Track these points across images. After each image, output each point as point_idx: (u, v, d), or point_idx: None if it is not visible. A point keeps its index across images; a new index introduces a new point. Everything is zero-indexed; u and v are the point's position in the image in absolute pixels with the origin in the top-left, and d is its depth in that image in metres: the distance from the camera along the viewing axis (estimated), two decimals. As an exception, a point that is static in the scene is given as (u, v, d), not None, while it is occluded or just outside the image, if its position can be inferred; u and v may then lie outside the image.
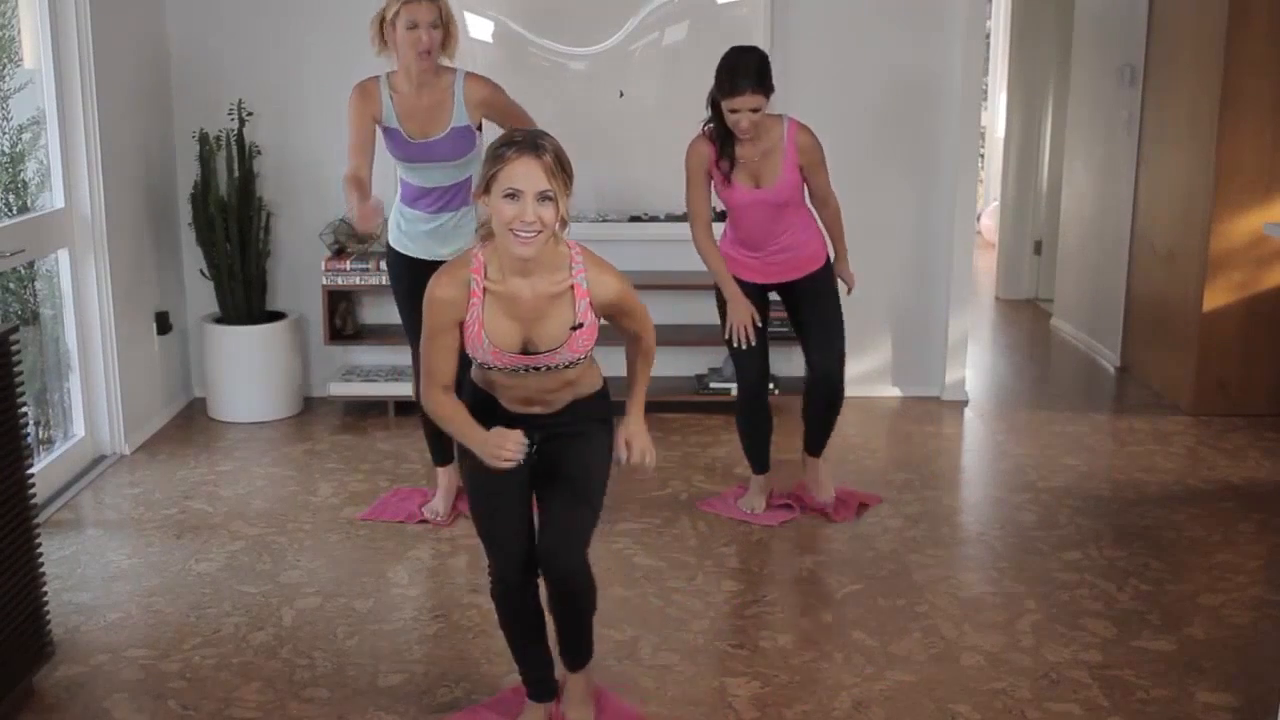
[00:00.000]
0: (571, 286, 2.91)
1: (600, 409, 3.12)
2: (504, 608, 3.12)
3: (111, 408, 5.28)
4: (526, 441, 2.89)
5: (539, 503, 3.10)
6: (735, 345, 4.45)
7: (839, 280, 4.60)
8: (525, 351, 2.92)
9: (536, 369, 2.94)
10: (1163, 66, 6.31)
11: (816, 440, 4.72)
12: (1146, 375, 6.50)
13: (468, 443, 2.94)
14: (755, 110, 4.16)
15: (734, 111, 4.17)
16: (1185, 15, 6.07)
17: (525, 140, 2.80)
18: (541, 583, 3.11)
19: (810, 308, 4.55)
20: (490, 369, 2.96)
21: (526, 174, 2.76)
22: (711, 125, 4.32)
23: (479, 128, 4.31)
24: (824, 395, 4.60)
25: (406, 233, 4.41)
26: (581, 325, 2.92)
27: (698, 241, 4.44)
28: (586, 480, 3.07)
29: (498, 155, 2.80)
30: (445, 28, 4.17)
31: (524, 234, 2.77)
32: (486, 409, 3.04)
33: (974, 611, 3.92)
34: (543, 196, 2.77)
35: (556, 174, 2.78)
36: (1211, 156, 5.73)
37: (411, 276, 4.34)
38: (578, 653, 3.22)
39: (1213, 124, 5.71)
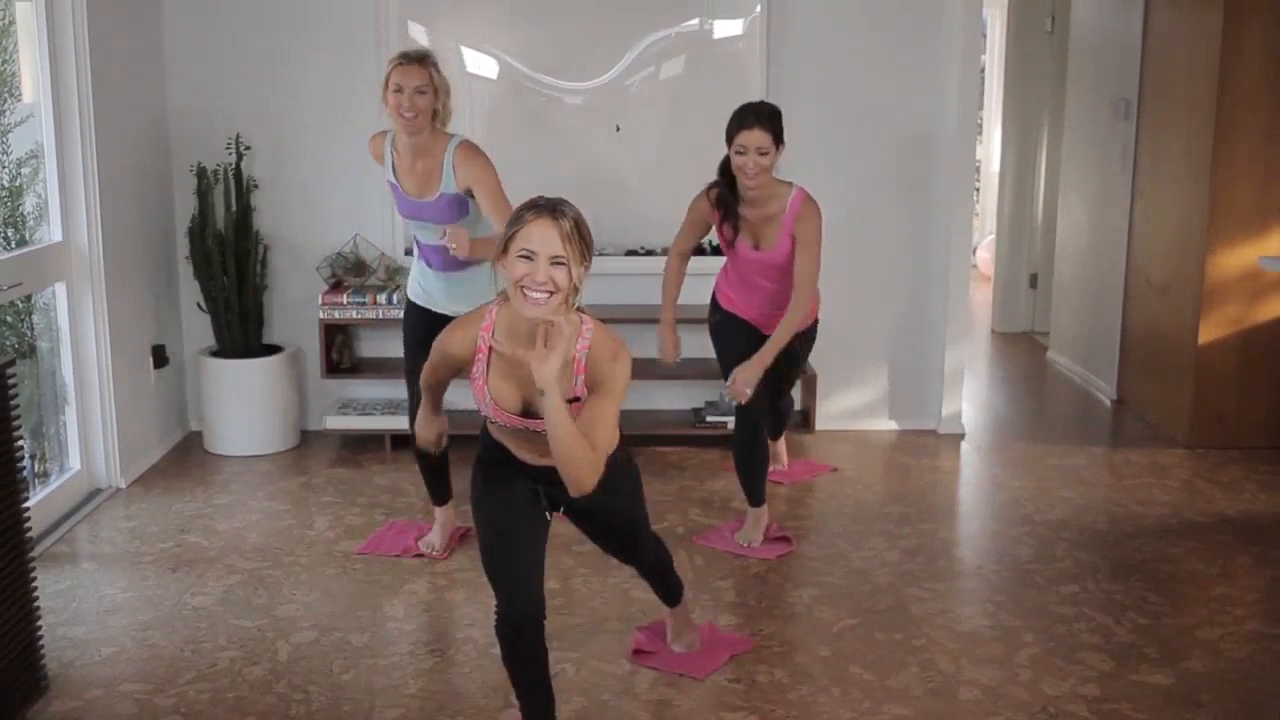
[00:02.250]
0: (574, 359, 2.92)
1: (615, 464, 3.09)
2: (508, 648, 3.10)
3: (107, 441, 5.28)
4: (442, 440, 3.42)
5: (605, 548, 3.58)
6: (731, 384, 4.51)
7: (726, 383, 4.51)
8: (526, 414, 2.93)
9: (538, 432, 2.94)
10: (1157, 100, 6.35)
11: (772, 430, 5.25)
12: (1142, 408, 6.51)
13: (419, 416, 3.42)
14: (762, 153, 4.18)
15: (740, 153, 4.20)
16: (1179, 49, 6.11)
17: (546, 205, 2.83)
18: (551, 611, 3.15)
19: (782, 361, 4.59)
20: (494, 424, 2.98)
21: (543, 236, 2.78)
22: (716, 188, 4.36)
23: (470, 195, 4.31)
24: (767, 429, 4.94)
25: (422, 285, 4.47)
26: (578, 399, 2.93)
27: (667, 262, 4.65)
28: (630, 524, 3.45)
29: (518, 217, 2.84)
30: (436, 94, 4.19)
31: (534, 294, 2.78)
32: (501, 459, 3.06)
33: (971, 645, 3.91)
34: (555, 260, 2.78)
35: (573, 240, 2.80)
36: (1206, 189, 5.76)
37: (424, 327, 4.35)
38: (670, 595, 3.72)
39: (1207, 157, 5.74)
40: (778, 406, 5.14)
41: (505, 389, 2.92)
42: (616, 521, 3.39)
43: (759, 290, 4.49)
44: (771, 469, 5.13)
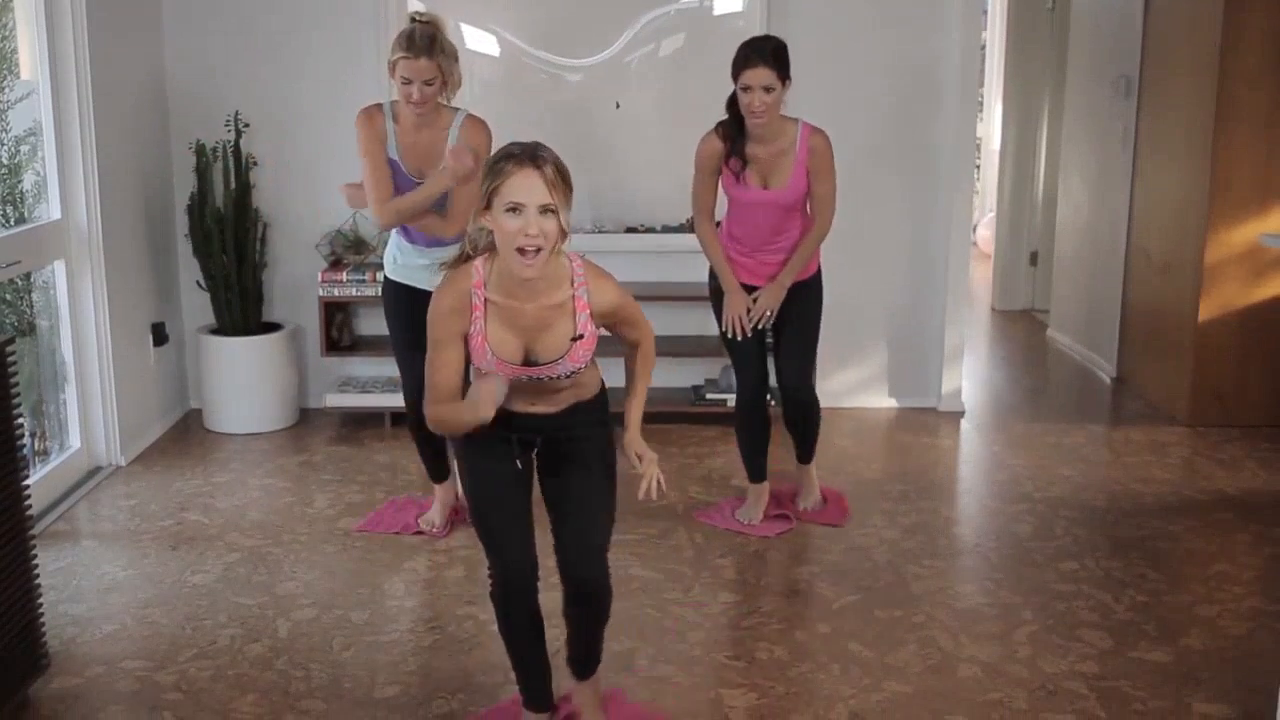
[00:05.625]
0: (572, 298, 2.92)
1: (599, 411, 3.12)
2: (504, 613, 3.11)
3: (107, 419, 5.28)
4: (502, 388, 2.87)
5: (552, 513, 3.12)
6: (730, 337, 4.46)
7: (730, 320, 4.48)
8: (527, 362, 2.92)
9: (539, 379, 2.94)
10: (1158, 78, 6.33)
11: (801, 449, 4.81)
12: (1142, 386, 6.51)
13: (468, 420, 2.86)
14: (768, 90, 4.15)
15: (746, 90, 4.16)
16: (1181, 27, 6.09)
17: (524, 152, 2.79)
18: (546, 586, 3.12)
19: (792, 320, 4.58)
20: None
21: (528, 187, 2.75)
22: (723, 124, 4.33)
23: None
24: (794, 409, 4.70)
25: (404, 265, 4.43)
26: (582, 336, 2.92)
27: (699, 230, 4.48)
28: (597, 486, 3.08)
29: (497, 169, 2.78)
30: (444, 81, 4.19)
31: (528, 249, 2.76)
32: None
33: (971, 623, 3.92)
34: (544, 209, 2.75)
35: (557, 185, 2.77)
36: (1207, 168, 5.74)
37: (410, 305, 4.34)
38: (587, 661, 3.25)
39: (1208, 135, 5.73)
40: (800, 398, 4.64)
41: (506, 339, 2.90)
42: (583, 481, 3.07)
43: (763, 235, 4.44)
44: (802, 506, 4.81)
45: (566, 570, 3.07)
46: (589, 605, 3.12)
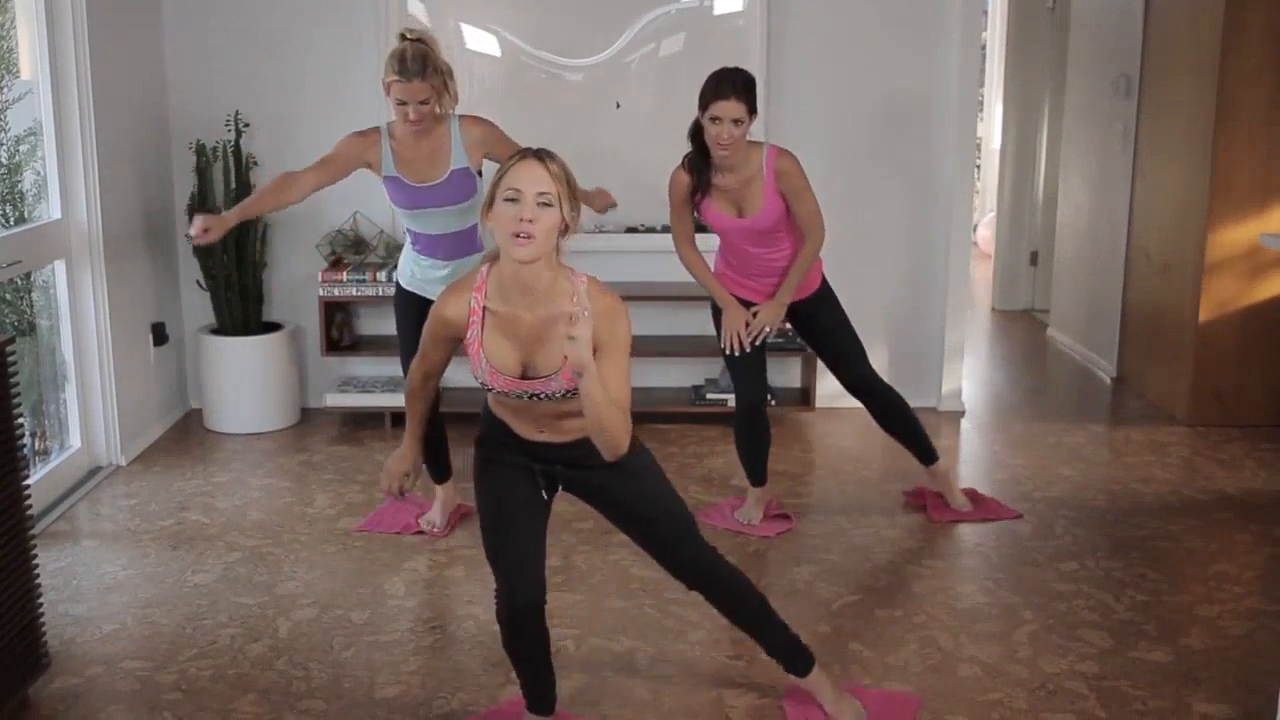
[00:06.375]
0: (571, 316, 2.89)
1: None
2: (509, 631, 3.09)
3: (108, 419, 5.28)
4: (407, 479, 3.22)
5: (640, 541, 3.19)
6: (730, 353, 4.45)
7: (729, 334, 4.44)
8: (524, 376, 2.91)
9: (536, 395, 2.92)
10: (1158, 78, 6.33)
11: (912, 449, 4.76)
12: (1142, 386, 6.51)
13: (406, 430, 3.23)
14: (736, 122, 4.13)
15: (715, 121, 4.14)
16: (1180, 27, 6.08)
17: (531, 151, 2.83)
18: (550, 586, 3.13)
19: (820, 333, 4.62)
20: (492, 391, 2.96)
21: (529, 176, 2.77)
22: (689, 157, 4.32)
23: (479, 172, 4.32)
24: (874, 406, 4.67)
25: (420, 277, 4.43)
26: None
27: (681, 255, 4.49)
28: (654, 491, 3.12)
29: (503, 167, 2.83)
30: (439, 94, 4.19)
31: (520, 234, 2.74)
32: (501, 438, 3.05)
33: (971, 622, 3.92)
34: (542, 197, 2.76)
35: (560, 180, 2.79)
36: (1207, 168, 5.74)
37: (421, 314, 4.34)
38: (784, 652, 3.32)
39: (1208, 135, 5.73)
40: (873, 389, 4.63)
41: (501, 349, 2.89)
42: (637, 504, 3.13)
43: (752, 259, 4.44)
44: (955, 507, 4.80)
45: (680, 574, 3.18)
46: (725, 594, 3.23)
